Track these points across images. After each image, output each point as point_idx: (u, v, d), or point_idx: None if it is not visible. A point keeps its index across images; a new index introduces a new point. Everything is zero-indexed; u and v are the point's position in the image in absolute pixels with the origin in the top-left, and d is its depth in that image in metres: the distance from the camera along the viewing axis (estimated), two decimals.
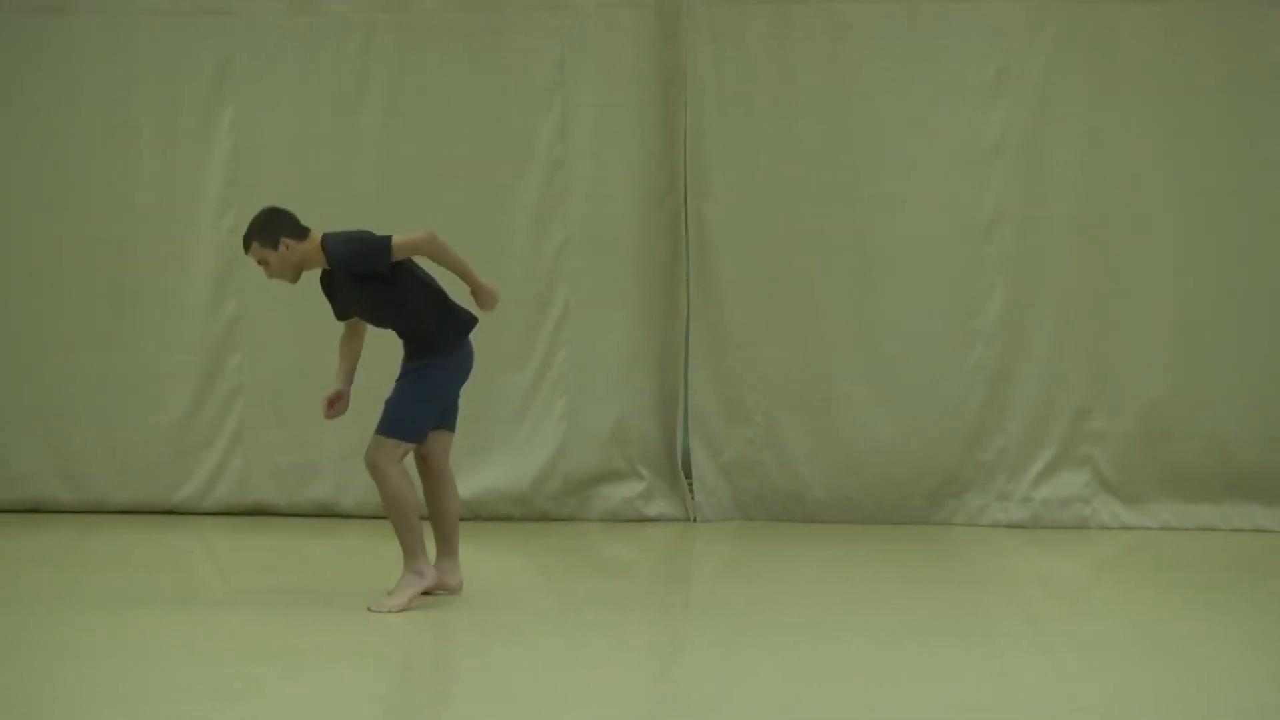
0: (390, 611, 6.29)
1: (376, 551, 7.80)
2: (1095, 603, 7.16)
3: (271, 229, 6.28)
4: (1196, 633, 6.41)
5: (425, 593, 6.45)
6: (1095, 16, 8.30)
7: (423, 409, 6.39)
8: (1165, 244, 8.38)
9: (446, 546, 6.60)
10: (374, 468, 6.34)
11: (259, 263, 6.32)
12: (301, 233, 6.29)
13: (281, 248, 6.24)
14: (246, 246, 6.31)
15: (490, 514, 8.54)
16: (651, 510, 8.49)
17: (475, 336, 8.61)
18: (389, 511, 6.38)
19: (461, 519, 8.43)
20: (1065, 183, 8.39)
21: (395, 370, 6.53)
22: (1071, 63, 8.35)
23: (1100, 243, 8.39)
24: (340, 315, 6.51)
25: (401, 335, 6.42)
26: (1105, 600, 7.18)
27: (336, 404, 6.51)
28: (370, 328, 6.53)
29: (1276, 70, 8.26)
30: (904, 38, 8.38)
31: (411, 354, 6.42)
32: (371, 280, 6.22)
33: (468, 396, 8.43)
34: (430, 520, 6.59)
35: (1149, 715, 5.31)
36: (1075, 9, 8.30)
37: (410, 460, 6.53)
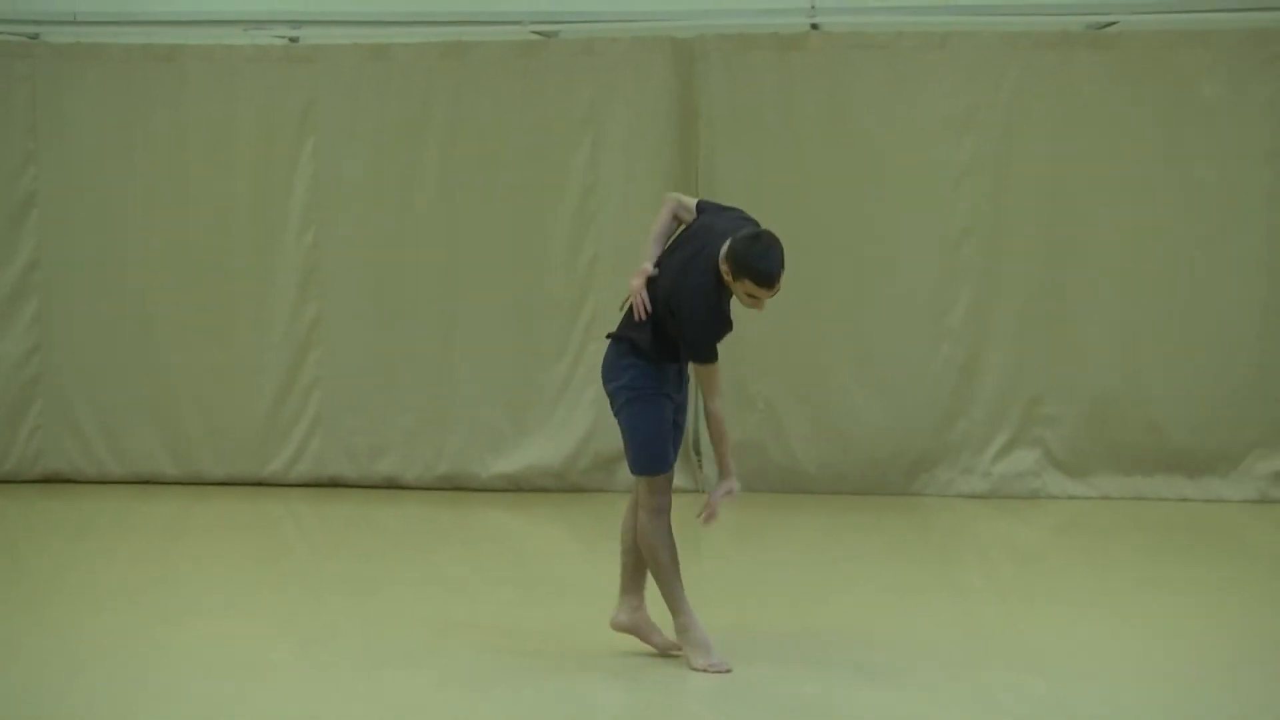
0: (712, 670, 5.43)
1: (435, 519, 8.21)
2: (1048, 561, 7.25)
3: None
4: (1138, 585, 6.61)
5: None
6: (1052, 60, 8.51)
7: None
8: (1111, 257, 8.55)
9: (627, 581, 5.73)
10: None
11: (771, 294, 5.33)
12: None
13: None
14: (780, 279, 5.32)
15: (531, 486, 8.96)
16: None
17: (518, 338, 8.82)
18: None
19: (505, 490, 8.80)
20: (1025, 203, 8.56)
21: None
22: (1032, 98, 8.52)
23: (1054, 256, 8.57)
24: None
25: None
26: (1056, 559, 7.27)
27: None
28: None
29: (1203, 108, 8.49)
30: (889, 78, 8.60)
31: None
32: None
33: (513, 386, 8.80)
34: None
35: (1093, 656, 5.51)
36: (1034, 55, 8.52)
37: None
